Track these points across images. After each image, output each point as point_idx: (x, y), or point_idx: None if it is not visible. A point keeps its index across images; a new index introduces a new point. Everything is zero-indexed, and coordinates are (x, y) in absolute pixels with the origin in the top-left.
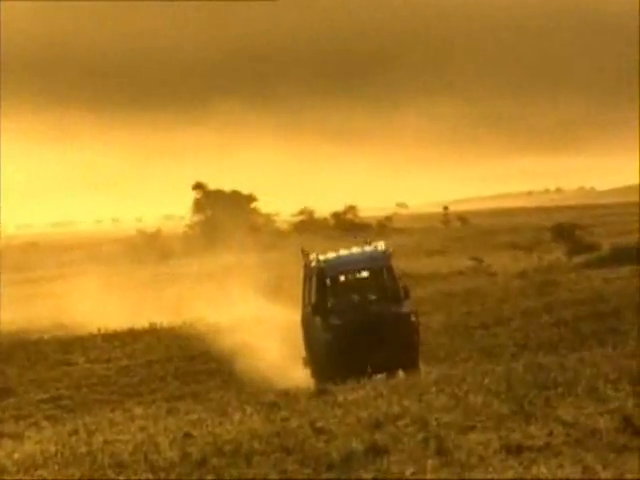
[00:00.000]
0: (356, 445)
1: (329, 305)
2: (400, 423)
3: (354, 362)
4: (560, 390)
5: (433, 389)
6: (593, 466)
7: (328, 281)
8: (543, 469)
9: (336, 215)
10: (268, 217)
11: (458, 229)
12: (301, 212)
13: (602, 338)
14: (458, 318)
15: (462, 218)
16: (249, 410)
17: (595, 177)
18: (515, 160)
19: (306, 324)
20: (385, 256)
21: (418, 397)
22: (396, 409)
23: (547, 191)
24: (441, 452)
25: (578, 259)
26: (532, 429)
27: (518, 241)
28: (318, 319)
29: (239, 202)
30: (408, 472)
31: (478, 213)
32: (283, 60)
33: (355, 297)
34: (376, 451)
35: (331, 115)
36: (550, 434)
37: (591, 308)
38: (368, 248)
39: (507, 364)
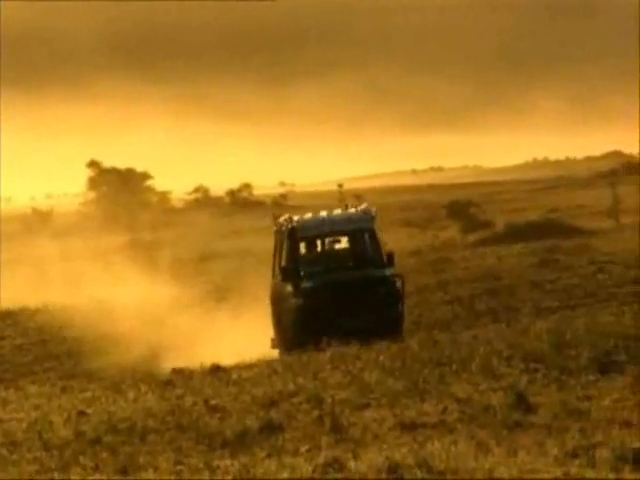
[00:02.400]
0: (250, 423)
1: (302, 270)
2: (295, 400)
3: (328, 330)
4: (454, 367)
5: (328, 366)
6: (487, 442)
7: (302, 244)
8: (437, 445)
9: (231, 193)
10: (163, 195)
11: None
12: (196, 190)
13: (496, 315)
14: None
15: (357, 196)
16: (144, 388)
17: (480, 155)
18: (404, 137)
19: (275, 296)
20: (367, 218)
21: (313, 374)
22: (291, 387)
23: (432, 169)
24: (336, 429)
25: (472, 237)
26: (426, 406)
27: (412, 219)
28: (289, 285)
29: (133, 180)
30: (303, 449)
31: (371, 191)
32: (177, 37)
33: (331, 262)
34: (271, 428)
35: (225, 93)
36: (444, 411)
37: (485, 285)
38: (351, 210)
39: (402, 341)
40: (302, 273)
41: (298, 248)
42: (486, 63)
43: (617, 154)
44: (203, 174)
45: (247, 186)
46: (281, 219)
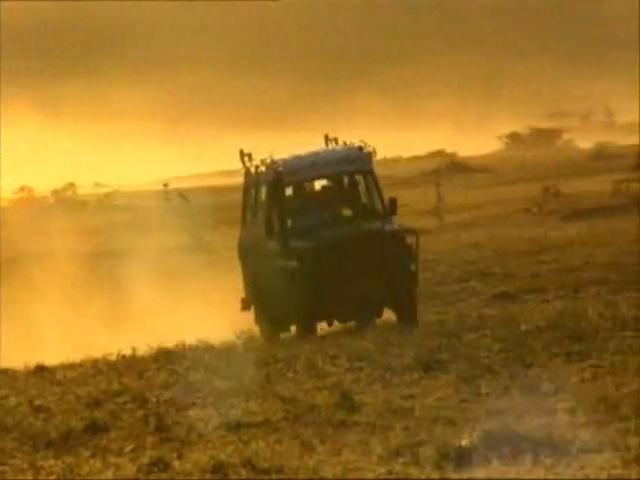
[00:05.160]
0: (75, 423)
1: (289, 224)
2: (119, 400)
3: (332, 299)
4: (279, 366)
5: (153, 366)
6: (311, 441)
7: (287, 191)
8: (262, 444)
9: (55, 192)
10: None
11: (179, 206)
12: (21, 189)
13: None
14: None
15: (183, 195)
16: None
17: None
18: (230, 137)
19: (250, 252)
20: (364, 157)
21: (138, 374)
22: (115, 386)
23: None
24: (160, 429)
25: None
26: (251, 405)
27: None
28: (273, 243)
29: None
30: (127, 449)
31: (198, 190)
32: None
33: (326, 213)
34: (95, 428)
35: (47, 91)
36: (269, 410)
37: None
38: (339, 147)
39: (228, 340)
40: (292, 229)
41: (284, 196)
42: (308, 62)
43: (440, 153)
44: (28, 174)
45: (71, 185)
46: (258, 160)
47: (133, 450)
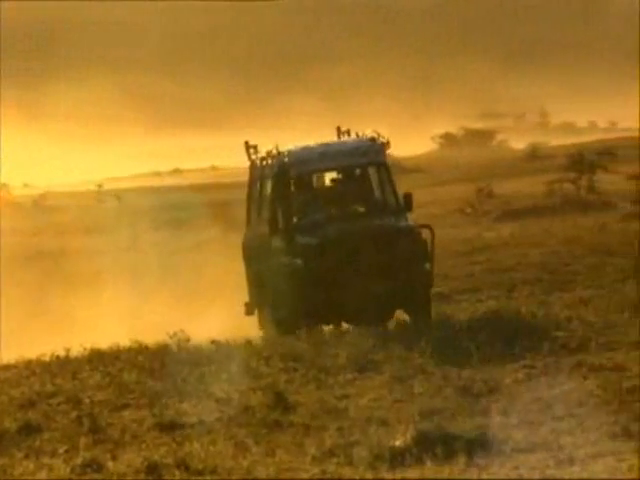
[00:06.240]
0: (8, 424)
1: (295, 219)
2: (53, 401)
3: (340, 301)
4: (214, 367)
5: (87, 367)
6: (245, 442)
7: (294, 185)
8: (196, 445)
9: None
10: None
11: (114, 207)
12: None
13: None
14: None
15: (117, 196)
16: None
17: (222, 157)
18: (163, 138)
19: (254, 250)
20: (377, 149)
21: (72, 375)
22: (49, 387)
23: (176, 170)
24: (94, 430)
25: (233, 235)
26: (185, 406)
27: (177, 219)
28: (278, 240)
29: None
30: (61, 450)
31: (131, 190)
32: None
33: (335, 208)
34: (29, 429)
35: None
36: (203, 411)
37: None
38: (350, 138)
39: (161, 343)
40: (298, 224)
41: (290, 190)
42: (244, 64)
43: None
44: None
45: (4, 186)
46: (264, 151)
47: (67, 451)
